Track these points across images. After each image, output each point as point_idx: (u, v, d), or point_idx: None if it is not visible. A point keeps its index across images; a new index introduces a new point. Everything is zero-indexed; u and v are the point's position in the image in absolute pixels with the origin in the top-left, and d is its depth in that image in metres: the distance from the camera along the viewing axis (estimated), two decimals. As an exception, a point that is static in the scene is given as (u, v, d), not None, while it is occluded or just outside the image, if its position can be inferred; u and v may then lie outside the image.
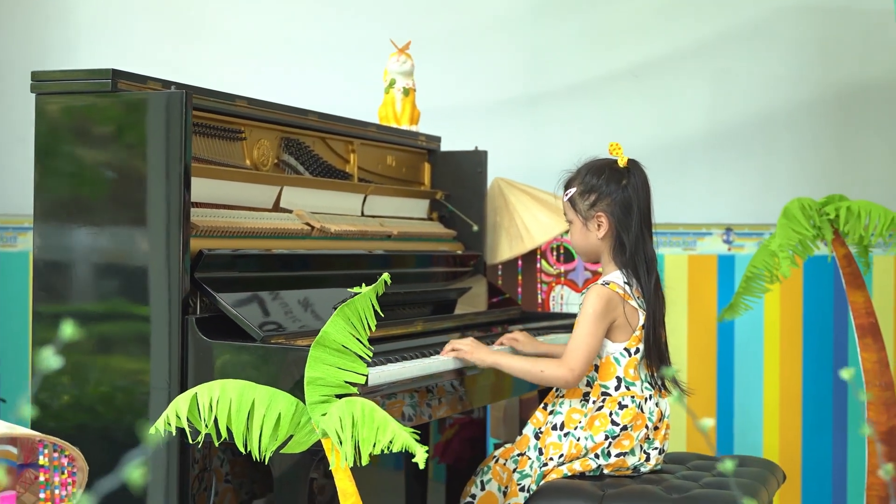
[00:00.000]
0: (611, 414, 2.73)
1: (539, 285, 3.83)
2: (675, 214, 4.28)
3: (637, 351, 2.76)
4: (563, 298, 3.82)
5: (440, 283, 3.50)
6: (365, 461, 2.18)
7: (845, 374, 1.35)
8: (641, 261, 2.77)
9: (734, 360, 4.28)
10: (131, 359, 2.54)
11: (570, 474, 2.74)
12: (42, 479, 2.17)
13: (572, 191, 2.83)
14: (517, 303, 3.69)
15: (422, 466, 2.07)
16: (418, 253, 3.43)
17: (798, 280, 4.23)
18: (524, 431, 2.86)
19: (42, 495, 2.16)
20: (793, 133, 4.33)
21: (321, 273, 2.92)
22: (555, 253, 3.82)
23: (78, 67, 2.75)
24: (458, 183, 3.72)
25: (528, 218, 3.73)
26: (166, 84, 2.62)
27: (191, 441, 2.32)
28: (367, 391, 2.38)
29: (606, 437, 2.72)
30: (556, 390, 2.83)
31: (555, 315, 3.67)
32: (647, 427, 2.74)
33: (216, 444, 2.23)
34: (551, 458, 2.76)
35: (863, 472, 4.12)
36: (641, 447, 2.76)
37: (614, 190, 2.78)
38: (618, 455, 2.73)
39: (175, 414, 2.22)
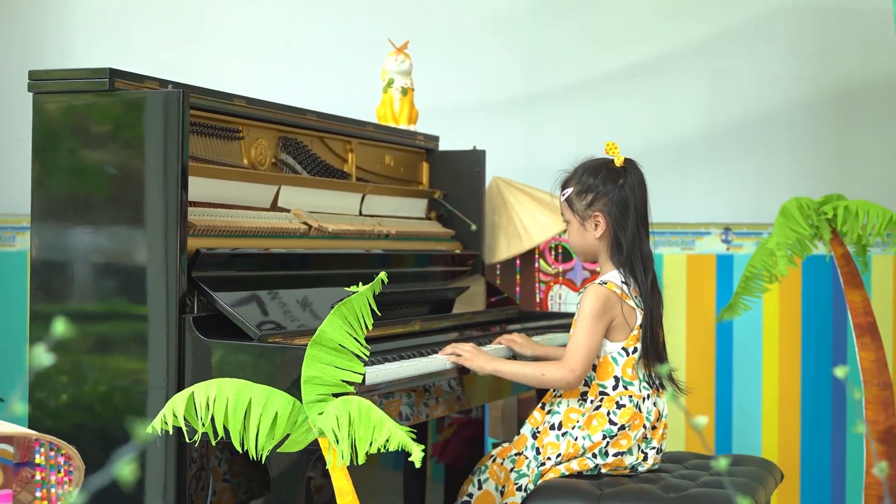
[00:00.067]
0: (608, 413, 2.73)
1: (537, 285, 3.83)
2: (673, 214, 4.28)
3: (635, 350, 2.76)
4: (561, 298, 3.82)
5: (438, 282, 3.50)
6: (361, 460, 2.19)
7: (839, 371, 1.35)
8: (638, 260, 2.78)
9: (733, 359, 4.28)
10: (129, 358, 2.54)
11: (567, 474, 2.74)
12: (38, 477, 2.17)
13: (569, 190, 2.83)
14: (515, 302, 3.69)
15: (418, 465, 2.07)
16: (416, 252, 3.43)
17: (797, 280, 4.23)
18: (522, 431, 2.86)
19: (38, 494, 2.16)
20: (791, 133, 4.33)
21: (319, 272, 2.92)
22: (553, 252, 3.83)
23: (76, 67, 2.75)
24: (456, 182, 3.72)
25: (527, 217, 3.73)
26: (163, 83, 2.62)
27: (188, 440, 2.32)
28: (364, 390, 2.38)
29: (604, 437, 2.72)
30: (554, 390, 2.83)
31: (553, 315, 3.67)
32: (644, 427, 2.75)
33: (213, 443, 2.23)
34: (549, 458, 2.76)
35: (861, 471, 4.13)
36: (639, 447, 2.76)
37: (611, 189, 2.78)
38: (615, 455, 2.74)
39: (172, 413, 2.23)
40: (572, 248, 2.93)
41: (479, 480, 2.84)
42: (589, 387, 2.77)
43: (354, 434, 2.18)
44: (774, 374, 4.26)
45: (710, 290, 4.29)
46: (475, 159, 3.71)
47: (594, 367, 2.77)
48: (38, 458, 2.17)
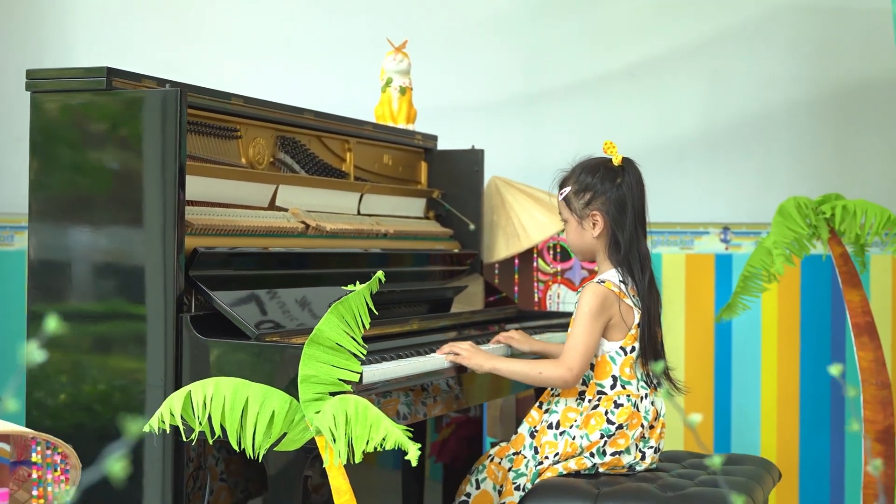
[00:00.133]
0: (606, 413, 2.73)
1: (536, 284, 3.83)
2: (672, 213, 4.28)
3: (633, 349, 2.76)
4: (559, 297, 3.83)
5: (436, 281, 3.50)
6: (358, 459, 2.19)
7: (834, 370, 1.35)
8: (636, 259, 2.78)
9: (731, 359, 4.28)
10: (127, 357, 2.54)
11: (565, 473, 2.74)
12: (35, 476, 2.17)
13: (567, 189, 2.84)
14: (514, 301, 3.70)
15: (414, 464, 2.07)
16: (414, 251, 3.43)
17: (795, 279, 4.23)
18: (519, 430, 2.86)
19: (35, 492, 2.16)
20: (790, 132, 4.33)
21: (317, 271, 2.92)
22: (551, 252, 3.83)
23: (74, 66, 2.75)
24: (454, 182, 3.72)
25: (525, 217, 3.73)
26: (161, 82, 2.63)
27: (185, 439, 2.32)
28: (361, 389, 2.39)
29: (602, 436, 2.73)
30: (552, 389, 2.83)
31: (551, 314, 3.67)
32: (642, 426, 2.75)
33: (210, 441, 2.23)
34: (547, 457, 2.76)
35: (859, 470, 4.13)
36: (637, 446, 2.76)
37: (609, 188, 2.78)
38: (613, 454, 2.74)
39: (169, 412, 2.23)
40: (570, 247, 2.93)
41: (476, 480, 2.84)
42: (587, 386, 2.77)
43: (351, 433, 2.18)
44: (773, 373, 4.26)
45: (709, 289, 4.29)
46: (474, 159, 3.71)
47: (592, 367, 2.77)
48: (35, 457, 2.17)
